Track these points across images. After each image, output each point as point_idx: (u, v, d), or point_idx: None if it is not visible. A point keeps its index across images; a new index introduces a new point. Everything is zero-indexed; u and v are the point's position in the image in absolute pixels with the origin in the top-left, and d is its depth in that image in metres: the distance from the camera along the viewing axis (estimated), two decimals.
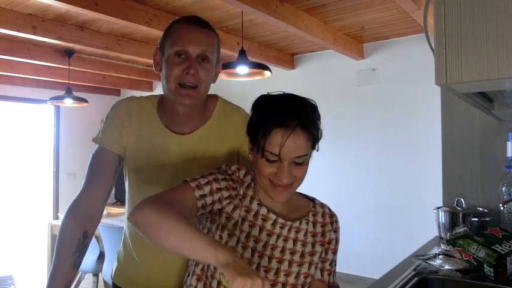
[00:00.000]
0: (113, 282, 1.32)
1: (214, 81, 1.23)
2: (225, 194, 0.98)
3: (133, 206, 1.22)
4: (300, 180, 0.98)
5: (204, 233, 0.85)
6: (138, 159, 1.20)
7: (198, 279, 1.02)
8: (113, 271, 1.33)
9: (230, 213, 1.00)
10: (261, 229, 1.00)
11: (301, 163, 0.95)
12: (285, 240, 1.02)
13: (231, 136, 1.21)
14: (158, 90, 6.52)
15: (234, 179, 1.01)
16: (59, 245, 1.13)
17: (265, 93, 1.01)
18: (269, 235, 1.00)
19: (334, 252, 1.10)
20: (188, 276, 1.06)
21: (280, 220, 1.02)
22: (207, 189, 0.95)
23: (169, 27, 1.17)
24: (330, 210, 1.11)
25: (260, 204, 1.02)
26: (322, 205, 1.11)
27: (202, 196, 0.94)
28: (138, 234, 1.22)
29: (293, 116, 0.92)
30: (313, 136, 0.95)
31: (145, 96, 1.26)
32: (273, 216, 1.02)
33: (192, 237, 0.80)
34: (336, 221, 1.11)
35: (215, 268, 0.98)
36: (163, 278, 1.21)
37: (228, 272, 0.74)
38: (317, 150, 0.99)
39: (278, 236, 1.01)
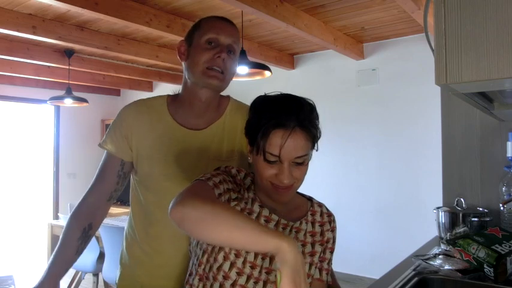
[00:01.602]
0: None
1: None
2: (233, 195, 0.97)
3: (146, 206, 1.24)
4: (300, 181, 0.97)
5: (256, 221, 0.82)
6: (151, 155, 1.22)
7: (200, 279, 1.02)
8: (117, 277, 1.32)
9: None
10: None
11: (302, 163, 0.95)
12: None
13: (242, 133, 1.22)
14: (158, 90, 6.52)
15: (237, 182, 1.01)
16: (65, 230, 1.21)
17: (263, 94, 1.01)
18: None
19: (332, 252, 1.10)
20: (190, 275, 1.06)
21: (283, 221, 1.02)
22: (222, 188, 0.94)
23: (199, 21, 1.23)
24: (327, 209, 1.11)
25: (262, 206, 1.01)
26: (320, 204, 1.11)
27: (220, 195, 0.93)
28: (150, 233, 1.23)
29: (292, 116, 0.91)
30: (313, 136, 0.95)
31: (153, 98, 1.30)
32: (275, 217, 1.01)
33: (249, 227, 0.77)
34: (334, 220, 1.11)
35: (218, 270, 0.97)
36: (173, 274, 1.21)
37: (286, 268, 0.73)
38: (316, 150, 0.99)
39: None
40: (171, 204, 0.84)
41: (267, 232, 0.77)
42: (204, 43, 1.17)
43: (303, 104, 0.96)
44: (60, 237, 1.21)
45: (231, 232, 0.78)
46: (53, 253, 1.19)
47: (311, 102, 0.99)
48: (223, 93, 1.29)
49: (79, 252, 1.21)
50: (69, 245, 1.20)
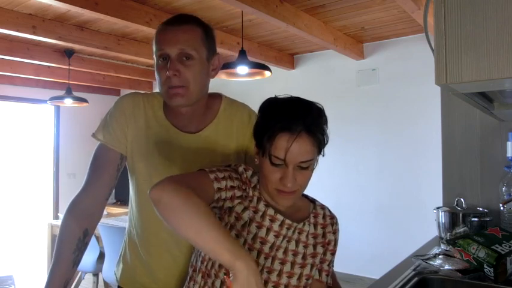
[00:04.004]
0: (119, 286, 1.29)
1: (213, 76, 1.20)
2: (237, 193, 0.97)
3: (139, 206, 1.21)
4: (303, 186, 0.98)
5: (225, 230, 0.82)
6: (146, 158, 1.18)
7: (202, 276, 1.02)
8: (119, 274, 1.29)
9: (240, 213, 0.99)
10: (268, 230, 1.00)
11: (306, 168, 0.95)
12: (288, 241, 1.02)
13: (238, 133, 1.20)
14: (158, 90, 6.51)
15: (243, 180, 1.01)
16: (59, 243, 1.13)
17: (271, 95, 1.00)
18: (276, 236, 1.00)
19: (333, 254, 1.10)
20: (194, 271, 1.05)
21: (287, 221, 1.02)
22: (223, 183, 0.94)
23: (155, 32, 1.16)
24: (330, 212, 1.12)
25: (267, 205, 1.02)
26: (323, 207, 1.12)
27: (220, 189, 0.93)
28: (145, 234, 1.21)
29: (299, 120, 0.91)
30: (319, 141, 0.94)
31: (151, 93, 1.24)
32: (280, 217, 1.01)
33: (212, 236, 0.79)
34: (336, 223, 1.11)
35: (219, 267, 0.97)
36: (172, 280, 1.20)
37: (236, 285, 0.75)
38: (323, 155, 0.99)
39: (283, 237, 1.01)
40: (156, 183, 0.84)
41: (228, 249, 0.78)
42: (158, 60, 1.11)
43: (312, 109, 0.96)
44: (54, 251, 1.13)
45: (192, 233, 0.80)
46: (49, 270, 1.12)
47: (320, 107, 0.98)
48: (215, 90, 1.24)
49: (76, 264, 1.14)
50: (64, 259, 1.12)
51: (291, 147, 0.91)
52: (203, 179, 0.92)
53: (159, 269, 1.20)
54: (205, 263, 1.02)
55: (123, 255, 1.30)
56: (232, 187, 0.96)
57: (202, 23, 1.16)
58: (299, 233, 1.03)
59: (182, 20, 1.13)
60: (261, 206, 1.01)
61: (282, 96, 0.99)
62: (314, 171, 0.98)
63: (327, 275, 1.08)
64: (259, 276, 0.78)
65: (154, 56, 1.14)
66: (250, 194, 1.01)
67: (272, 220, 1.01)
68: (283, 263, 1.00)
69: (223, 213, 0.99)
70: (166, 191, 0.83)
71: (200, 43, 1.12)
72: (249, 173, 1.03)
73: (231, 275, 0.78)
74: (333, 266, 1.11)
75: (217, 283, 0.98)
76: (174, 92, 1.10)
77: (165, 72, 1.09)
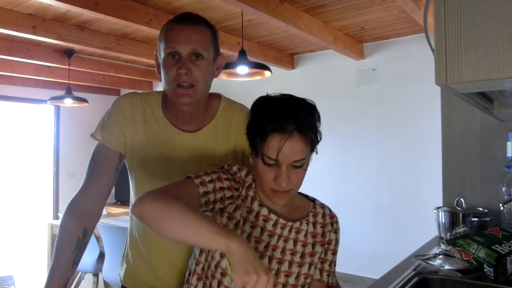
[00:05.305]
0: (122, 286, 1.29)
1: (216, 76, 1.21)
2: (228, 193, 0.98)
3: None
4: (297, 185, 0.98)
5: (212, 221, 0.84)
6: (145, 157, 1.18)
7: (198, 279, 1.02)
8: (123, 274, 1.30)
9: (232, 213, 1.00)
10: (262, 230, 1.00)
11: (300, 166, 0.95)
12: (285, 240, 1.02)
13: (236, 133, 1.20)
14: (158, 90, 6.51)
15: (236, 180, 1.01)
16: (58, 243, 1.14)
17: (265, 94, 1.01)
18: (270, 236, 1.00)
19: (334, 253, 1.09)
20: (190, 274, 1.06)
21: (281, 221, 1.02)
22: (210, 186, 0.94)
23: (162, 29, 1.15)
24: (330, 211, 1.11)
25: (261, 205, 1.02)
26: (323, 206, 1.11)
27: (206, 193, 0.93)
28: (146, 232, 1.21)
29: (290, 120, 0.91)
30: (311, 139, 0.94)
31: (149, 93, 1.24)
32: (274, 217, 1.02)
33: (201, 227, 0.80)
34: (336, 222, 1.11)
35: (215, 267, 0.98)
36: (173, 278, 1.20)
37: (234, 265, 0.74)
38: (316, 153, 0.99)
39: (279, 237, 1.01)
40: (136, 199, 0.87)
41: (218, 232, 0.79)
42: (167, 58, 1.11)
43: (303, 107, 0.96)
44: (54, 251, 1.13)
45: (182, 231, 0.81)
46: (49, 270, 1.12)
47: (312, 103, 0.98)
48: (215, 90, 1.24)
49: (76, 264, 1.14)
50: (64, 259, 1.12)
51: (283, 147, 0.91)
52: (188, 186, 0.93)
53: (160, 267, 1.21)
54: (200, 265, 1.02)
55: (126, 255, 1.31)
56: (222, 188, 0.96)
57: (209, 23, 1.18)
58: (296, 232, 1.03)
59: (192, 20, 1.14)
60: (255, 206, 1.01)
61: (273, 95, 0.99)
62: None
63: (329, 275, 1.08)
64: (254, 250, 0.79)
65: (161, 53, 1.14)
66: (244, 193, 1.01)
67: (266, 220, 1.01)
68: (280, 262, 1.00)
69: (215, 214, 1.00)
70: (146, 204, 0.85)
71: (209, 44, 1.14)
72: (243, 172, 1.03)
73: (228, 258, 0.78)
74: (335, 265, 1.10)
75: (214, 283, 0.98)
76: (183, 92, 1.11)
77: (175, 70, 1.09)
